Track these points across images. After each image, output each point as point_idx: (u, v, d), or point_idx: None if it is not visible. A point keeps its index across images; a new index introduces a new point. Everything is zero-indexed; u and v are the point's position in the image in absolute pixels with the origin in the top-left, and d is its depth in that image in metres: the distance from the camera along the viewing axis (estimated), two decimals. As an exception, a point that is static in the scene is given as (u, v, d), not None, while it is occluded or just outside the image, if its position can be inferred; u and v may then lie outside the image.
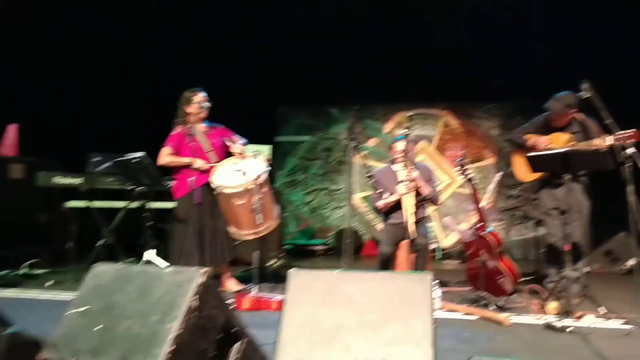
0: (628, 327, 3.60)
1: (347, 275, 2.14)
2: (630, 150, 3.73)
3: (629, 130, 3.96)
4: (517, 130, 4.91)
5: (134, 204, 5.60)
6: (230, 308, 2.32)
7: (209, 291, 2.12)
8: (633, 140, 3.91)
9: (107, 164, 6.12)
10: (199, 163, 4.79)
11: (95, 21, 6.72)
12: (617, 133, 3.97)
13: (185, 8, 7.30)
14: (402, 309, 1.92)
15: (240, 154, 4.74)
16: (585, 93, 4.01)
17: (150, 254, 5.13)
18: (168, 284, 2.05)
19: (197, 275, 2.05)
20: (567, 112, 4.51)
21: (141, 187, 5.39)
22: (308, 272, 2.16)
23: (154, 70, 7.63)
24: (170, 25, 7.37)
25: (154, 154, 5.30)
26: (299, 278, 2.12)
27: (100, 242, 5.52)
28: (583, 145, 4.30)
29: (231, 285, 4.95)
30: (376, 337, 1.91)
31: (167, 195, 6.53)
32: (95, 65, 7.02)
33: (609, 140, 4.05)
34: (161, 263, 5.22)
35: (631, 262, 6.49)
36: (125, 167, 5.29)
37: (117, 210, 5.84)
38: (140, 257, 5.17)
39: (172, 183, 4.92)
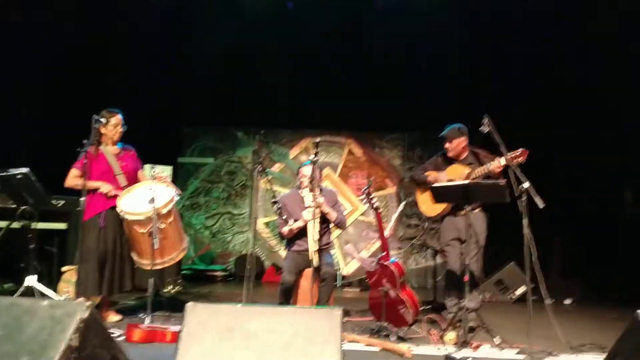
0: (521, 356, 3.72)
1: (249, 309, 1.97)
2: (526, 185, 3.89)
3: (517, 150, 4.19)
4: (418, 170, 5.06)
5: (16, 224, 5.12)
6: (116, 345, 2.08)
7: (92, 327, 1.88)
8: (522, 158, 4.16)
9: (-15, 180, 5.55)
10: (106, 188, 4.49)
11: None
12: (508, 154, 4.18)
13: (87, 21, 6.86)
14: (309, 347, 1.79)
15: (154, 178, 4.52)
16: (485, 127, 4.18)
17: (32, 280, 4.75)
18: (43, 320, 1.79)
19: (79, 309, 1.81)
20: (458, 137, 4.71)
21: (25, 206, 4.96)
22: (206, 306, 1.98)
23: (47, 83, 7.07)
24: (69, 38, 6.88)
25: (41, 170, 4.89)
26: (196, 312, 1.93)
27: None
28: (481, 171, 4.49)
29: (111, 316, 4.59)
30: (279, 379, 1.76)
31: (53, 215, 6.05)
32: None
33: (502, 161, 4.27)
34: (44, 290, 4.79)
35: (519, 291, 6.84)
36: (6, 184, 4.85)
37: (-5, 230, 5.30)
38: (20, 282, 4.77)
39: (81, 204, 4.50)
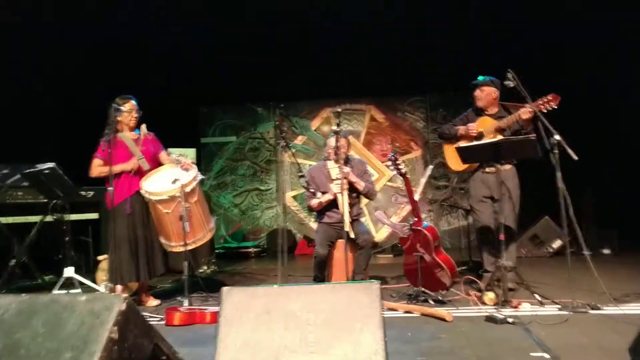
0: (564, 313, 3.64)
1: (286, 289, 1.95)
2: (557, 137, 3.77)
3: (548, 95, 4.00)
4: (447, 125, 4.87)
5: (50, 218, 5.25)
6: (157, 333, 2.08)
7: (131, 318, 1.87)
8: (554, 103, 3.97)
9: (15, 177, 5.64)
10: (129, 165, 4.51)
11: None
12: (538, 100, 4.01)
13: (100, 8, 6.79)
14: (349, 324, 1.76)
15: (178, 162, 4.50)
16: (510, 82, 4.04)
17: (69, 271, 4.86)
18: (82, 315, 1.79)
19: (116, 301, 1.80)
20: (489, 86, 4.52)
21: (56, 199, 5.05)
22: (243, 290, 1.95)
23: (66, 74, 7.06)
24: (84, 26, 6.83)
25: (66, 163, 4.95)
26: (232, 296, 1.91)
27: (12, 262, 5.08)
28: (511, 119, 4.29)
29: (150, 301, 4.66)
30: (323, 358, 1.73)
31: (85, 206, 6.15)
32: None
33: (532, 107, 4.06)
34: (83, 280, 4.89)
35: (556, 245, 6.73)
36: (35, 179, 4.94)
37: (29, 225, 5.39)
38: (60, 273, 4.87)
39: (107, 193, 4.55)
